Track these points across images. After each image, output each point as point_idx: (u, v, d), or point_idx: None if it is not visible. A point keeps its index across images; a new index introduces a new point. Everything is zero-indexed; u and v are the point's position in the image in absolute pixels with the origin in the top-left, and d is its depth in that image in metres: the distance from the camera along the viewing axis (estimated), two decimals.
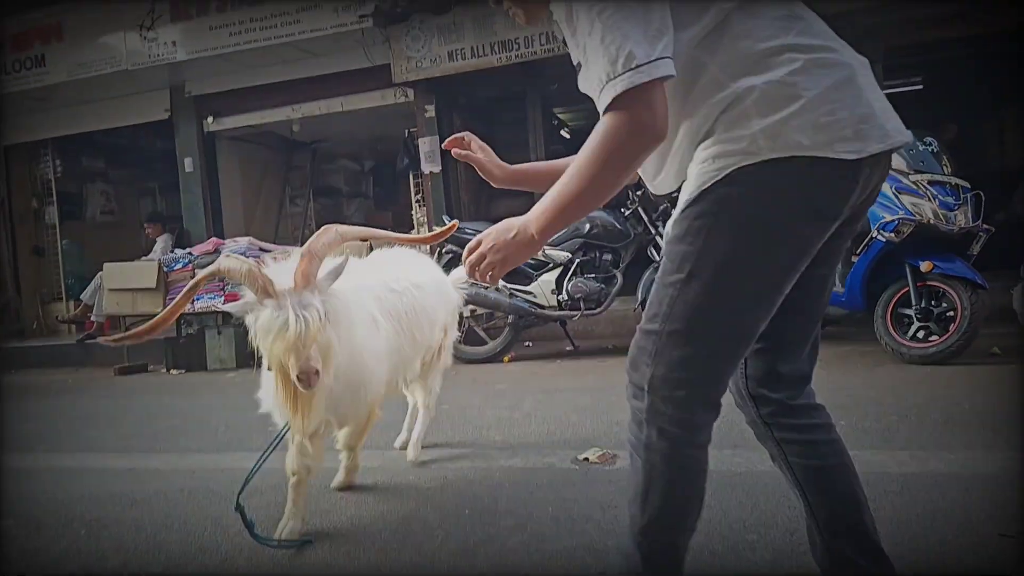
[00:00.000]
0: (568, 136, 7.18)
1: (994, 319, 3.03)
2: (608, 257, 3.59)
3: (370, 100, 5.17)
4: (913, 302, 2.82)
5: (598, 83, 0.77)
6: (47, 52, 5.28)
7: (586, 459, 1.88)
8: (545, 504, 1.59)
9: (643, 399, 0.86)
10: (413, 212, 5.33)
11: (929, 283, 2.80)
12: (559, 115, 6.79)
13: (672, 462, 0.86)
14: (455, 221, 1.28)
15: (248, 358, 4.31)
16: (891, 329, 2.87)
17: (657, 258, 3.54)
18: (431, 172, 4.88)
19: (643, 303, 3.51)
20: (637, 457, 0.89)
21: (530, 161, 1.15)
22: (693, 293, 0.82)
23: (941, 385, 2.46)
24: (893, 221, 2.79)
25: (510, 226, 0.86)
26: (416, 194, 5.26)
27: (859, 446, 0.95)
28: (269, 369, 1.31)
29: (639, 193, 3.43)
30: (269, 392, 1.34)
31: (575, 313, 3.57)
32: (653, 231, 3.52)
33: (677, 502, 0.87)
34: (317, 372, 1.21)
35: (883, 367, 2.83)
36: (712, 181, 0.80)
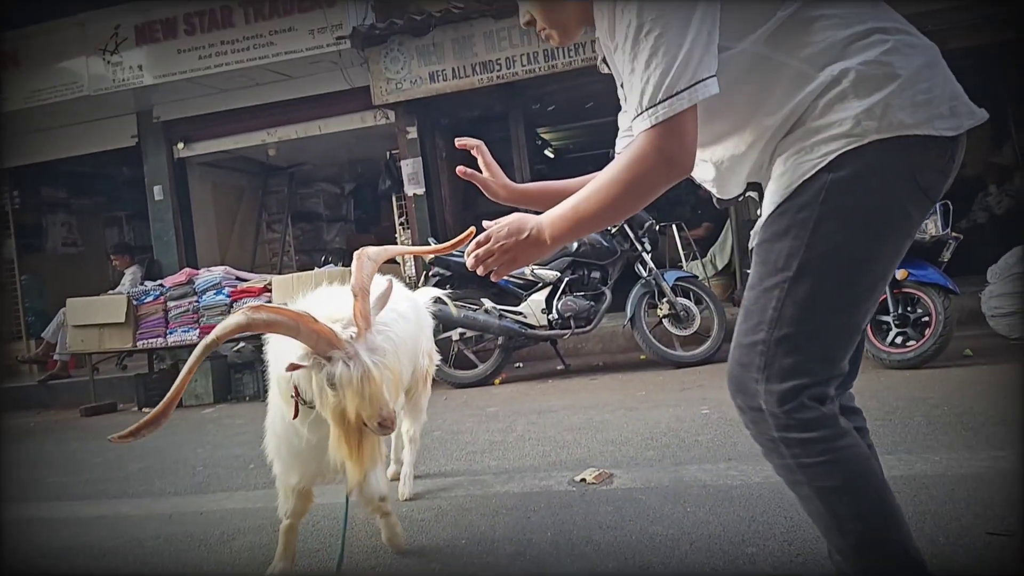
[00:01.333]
0: (552, 156, 7.21)
1: (965, 322, 3.15)
2: (596, 275, 3.61)
3: (349, 122, 5.12)
4: (891, 309, 2.90)
5: (636, 107, 0.76)
6: (2, 79, 5.10)
7: (583, 480, 1.85)
8: (544, 529, 1.55)
9: (764, 420, 0.79)
10: (397, 235, 5.26)
11: (905, 290, 2.89)
12: (543, 135, 6.76)
13: (833, 465, 0.77)
14: (472, 228, 1.25)
15: (226, 392, 4.23)
16: (871, 336, 2.94)
17: (644, 273, 3.57)
18: (414, 194, 4.84)
19: (632, 319, 3.52)
20: (798, 485, 0.80)
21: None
22: (804, 291, 0.77)
23: (920, 388, 2.52)
24: None
25: (523, 226, 0.83)
26: (400, 216, 5.22)
27: None
28: (295, 417, 1.22)
29: None
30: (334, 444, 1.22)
31: (565, 331, 3.57)
32: (639, 247, 3.56)
33: (868, 501, 0.78)
34: (395, 413, 1.17)
35: (865, 373, 2.78)
36: (815, 169, 0.76)
